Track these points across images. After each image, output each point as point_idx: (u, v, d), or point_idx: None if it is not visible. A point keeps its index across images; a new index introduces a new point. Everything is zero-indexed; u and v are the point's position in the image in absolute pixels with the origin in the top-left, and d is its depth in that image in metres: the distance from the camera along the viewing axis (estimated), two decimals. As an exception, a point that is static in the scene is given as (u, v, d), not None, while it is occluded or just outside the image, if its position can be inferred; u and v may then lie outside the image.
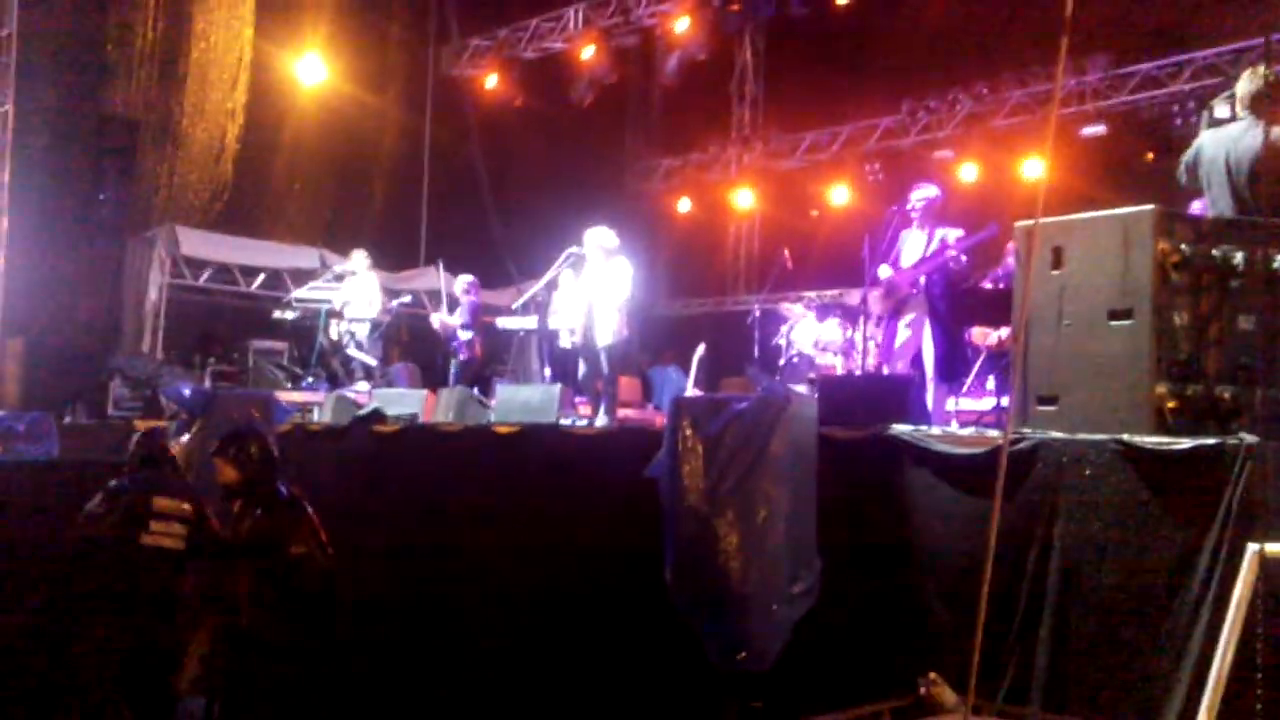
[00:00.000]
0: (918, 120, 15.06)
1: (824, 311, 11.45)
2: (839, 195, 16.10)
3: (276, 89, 14.99)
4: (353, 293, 11.66)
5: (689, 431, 5.28)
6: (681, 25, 14.59)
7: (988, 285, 8.88)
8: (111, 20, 13.33)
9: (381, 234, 15.18)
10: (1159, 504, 4.56)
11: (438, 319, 11.75)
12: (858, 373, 9.47)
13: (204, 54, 14.03)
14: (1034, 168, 13.09)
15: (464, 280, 11.88)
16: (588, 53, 15.27)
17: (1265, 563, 4.03)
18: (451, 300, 11.84)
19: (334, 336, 11.46)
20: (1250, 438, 4.51)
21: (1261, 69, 6.41)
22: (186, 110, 13.85)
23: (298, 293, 12.24)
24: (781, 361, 10.75)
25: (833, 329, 10.53)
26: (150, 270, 12.69)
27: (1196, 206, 6.60)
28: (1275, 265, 5.13)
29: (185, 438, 7.68)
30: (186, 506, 5.18)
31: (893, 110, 15.38)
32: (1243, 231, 5.31)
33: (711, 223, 18.32)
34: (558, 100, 16.13)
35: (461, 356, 11.54)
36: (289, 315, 11.91)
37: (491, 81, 16.22)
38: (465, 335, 11.56)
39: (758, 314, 11.66)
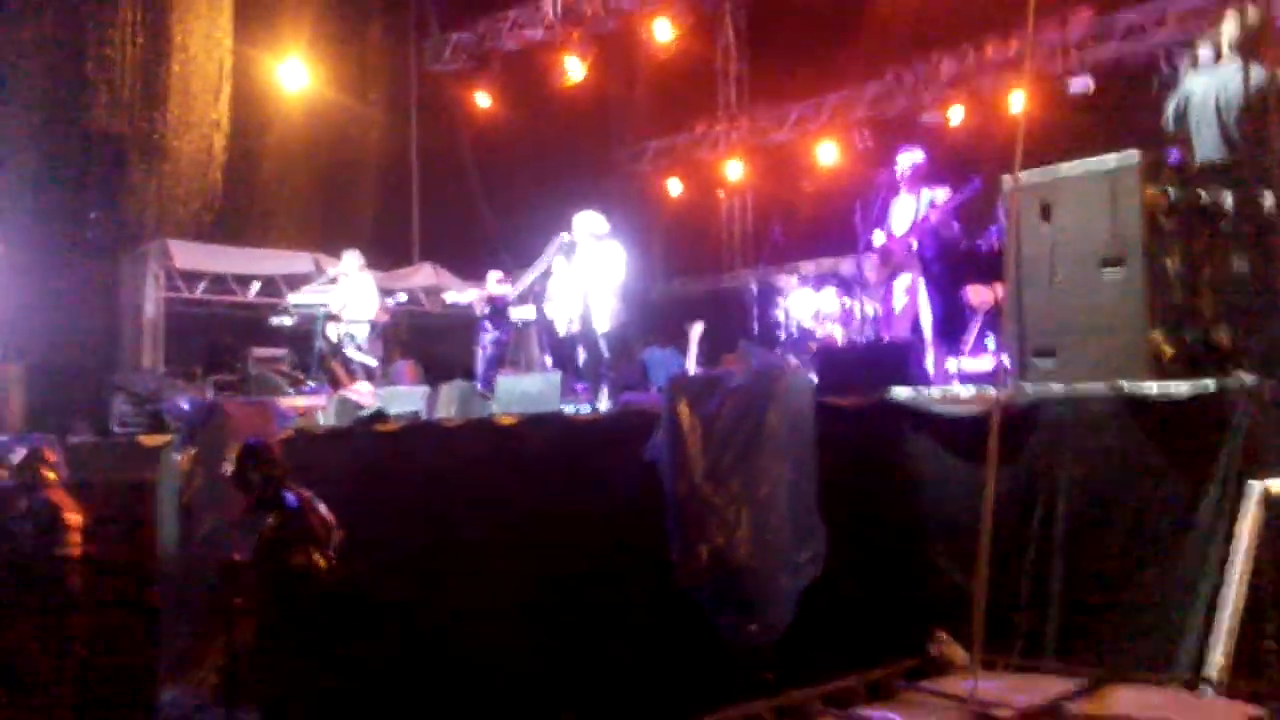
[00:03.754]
0: (903, 85, 14.98)
1: (820, 282, 11.40)
2: (829, 165, 16.04)
3: (260, 96, 14.94)
4: (348, 295, 11.64)
5: (685, 411, 5.27)
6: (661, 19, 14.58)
7: (981, 244, 8.84)
8: (90, 38, 13.28)
9: (374, 234, 15.15)
10: (1161, 449, 4.56)
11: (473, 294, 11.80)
12: (856, 341, 9.43)
13: (184, 66, 13.96)
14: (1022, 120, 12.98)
15: (495, 276, 11.91)
16: (569, 41, 15.23)
17: (1270, 500, 4.02)
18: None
19: (333, 339, 11.45)
20: (1249, 378, 4.50)
21: (1249, 9, 6.35)
22: (171, 123, 13.79)
23: (294, 297, 12.23)
24: (781, 335, 10.71)
25: (830, 299, 10.49)
26: (145, 286, 12.67)
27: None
28: (1265, 205, 5.10)
29: (189, 451, 7.68)
30: None
31: (878, 76, 15.31)
32: (1231, 173, 5.29)
33: (703, 201, 18.27)
34: (542, 89, 16.07)
35: (489, 351, 11.58)
36: (287, 321, 11.90)
37: (474, 75, 16.17)
38: (494, 332, 11.61)
39: (755, 289, 11.61)
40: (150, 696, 6.87)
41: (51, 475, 6.42)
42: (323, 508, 5.35)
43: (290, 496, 5.20)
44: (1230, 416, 4.37)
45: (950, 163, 9.93)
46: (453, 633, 7.05)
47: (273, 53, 15.02)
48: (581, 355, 9.20)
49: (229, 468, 5.48)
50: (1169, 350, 4.84)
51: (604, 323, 8.84)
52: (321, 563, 5.01)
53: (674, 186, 17.99)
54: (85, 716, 6.47)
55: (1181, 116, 6.48)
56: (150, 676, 6.70)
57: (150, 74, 13.73)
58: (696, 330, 11.31)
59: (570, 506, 6.49)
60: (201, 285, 13.62)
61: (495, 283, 11.88)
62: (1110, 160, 5.18)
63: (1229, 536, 4.13)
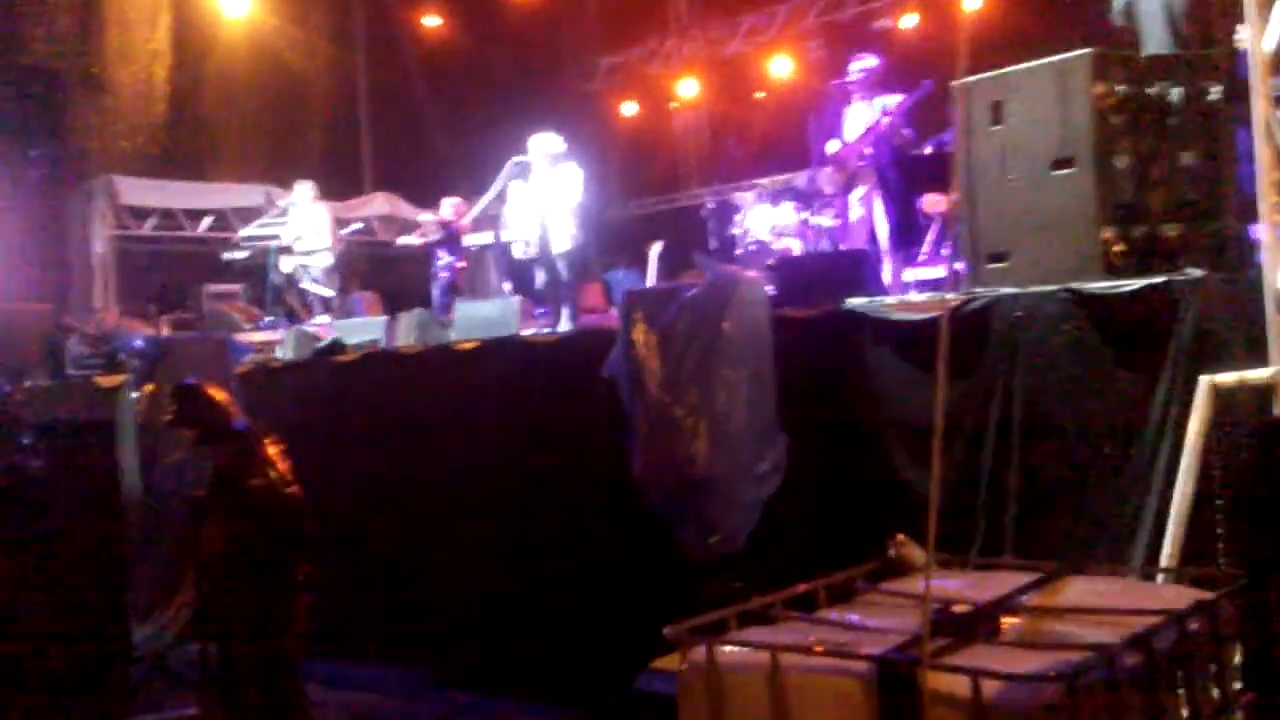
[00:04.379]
0: (855, -9, 14.83)
1: (778, 196, 11.36)
2: (782, 75, 15.91)
3: (201, 25, 14.55)
4: (301, 226, 11.50)
5: (642, 324, 5.27)
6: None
7: (935, 149, 8.82)
8: (20, -31, 12.88)
9: (325, 164, 14.89)
10: (1113, 347, 4.61)
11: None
12: (813, 253, 9.44)
13: (120, -5, 13.60)
14: (974, 21, 12.90)
15: (450, 203, 11.74)
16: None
17: (1218, 393, 4.09)
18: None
19: (287, 272, 11.32)
20: (1197, 272, 4.55)
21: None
22: (109, 55, 13.45)
23: (245, 231, 12.07)
24: (739, 251, 10.69)
25: (788, 213, 10.45)
26: (92, 224, 12.45)
27: None
28: (1211, 98, 5.10)
29: (145, 388, 7.61)
30: None
31: (830, -18, 15.15)
32: (1177, 67, 5.28)
33: (657, 118, 18.10)
34: (490, 8, 15.78)
35: (445, 278, 11.48)
36: (239, 255, 11.77)
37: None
38: (447, 258, 11.49)
39: (711, 206, 11.56)
40: (123, 635, 6.89)
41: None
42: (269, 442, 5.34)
43: (238, 422, 5.17)
44: (1179, 312, 4.42)
45: (903, 68, 9.86)
46: (418, 557, 7.11)
47: (211, -23, 14.61)
48: (540, 278, 9.14)
49: (166, 416, 5.43)
50: (1119, 248, 4.87)
51: (562, 244, 8.77)
52: (280, 480, 4.99)
53: (627, 105, 17.80)
54: (58, 658, 6.49)
55: (1130, 10, 6.45)
56: (121, 615, 6.72)
57: (86, 4, 13.36)
58: (655, 250, 11.27)
59: (532, 429, 6.52)
60: (150, 221, 13.38)
61: (450, 208, 11.75)
62: (1059, 59, 5.17)
63: (1180, 429, 4.20)
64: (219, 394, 5.20)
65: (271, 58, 15.24)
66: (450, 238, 11.63)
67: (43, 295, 11.68)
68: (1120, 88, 5.03)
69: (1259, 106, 4.50)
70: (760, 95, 16.36)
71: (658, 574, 5.56)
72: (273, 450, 5.04)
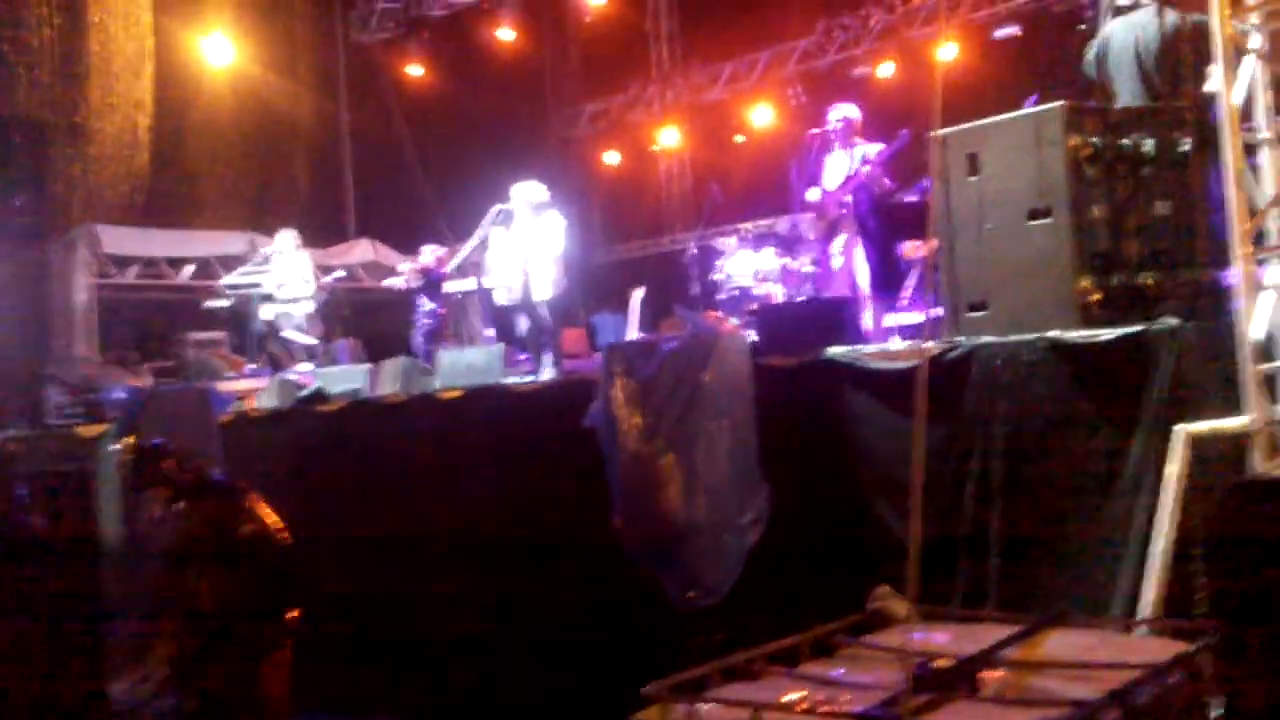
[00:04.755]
0: (834, 39, 15.00)
1: (760, 241, 11.43)
2: (764, 122, 16.06)
3: (184, 74, 14.62)
4: (284, 274, 11.50)
5: (622, 376, 5.29)
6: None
7: (913, 198, 8.91)
8: (4, 19, 12.92)
9: (309, 211, 14.96)
10: (1090, 396, 4.65)
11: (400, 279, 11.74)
12: (794, 300, 9.49)
13: (104, 46, 13.64)
14: (950, 73, 13.08)
15: (431, 251, 11.80)
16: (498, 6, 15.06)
17: (1194, 443, 4.12)
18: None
19: (269, 320, 11.32)
20: (1173, 321, 4.59)
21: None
22: (93, 105, 13.48)
23: (228, 279, 12.05)
24: (721, 296, 10.74)
25: (769, 258, 10.52)
26: (75, 273, 12.42)
27: None
28: (1183, 148, 5.18)
29: (126, 440, 7.56)
30: None
31: (809, 32, 15.32)
32: (1150, 118, 5.36)
33: (640, 163, 18.22)
34: (473, 57, 15.89)
35: (426, 325, 11.51)
36: (222, 303, 11.74)
37: (403, 44, 15.95)
38: (429, 305, 11.54)
39: (694, 251, 11.62)
40: (100, 690, 6.81)
41: None
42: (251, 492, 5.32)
43: (215, 474, 5.16)
44: (1155, 361, 4.46)
45: (882, 117, 9.98)
46: (400, 606, 7.06)
47: (196, 28, 14.68)
48: (523, 325, 9.16)
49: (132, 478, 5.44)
50: (1096, 297, 4.93)
51: (545, 291, 8.80)
52: (273, 527, 4.97)
53: (610, 150, 17.93)
54: (35, 711, 6.42)
55: (1101, 62, 6.55)
56: (98, 670, 6.64)
57: (68, 56, 13.40)
58: (637, 296, 11.32)
59: (515, 477, 6.51)
60: (133, 270, 13.36)
61: (432, 255, 11.80)
62: (1034, 110, 5.24)
63: (1158, 479, 4.23)
64: (187, 456, 5.19)
65: (255, 106, 15.30)
66: (431, 285, 11.68)
67: (24, 344, 11.65)
68: (1094, 139, 5.11)
69: (1229, 158, 4.57)
70: (742, 141, 16.49)
71: (639, 624, 5.54)
72: (256, 501, 5.03)
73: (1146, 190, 5.21)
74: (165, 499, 5.20)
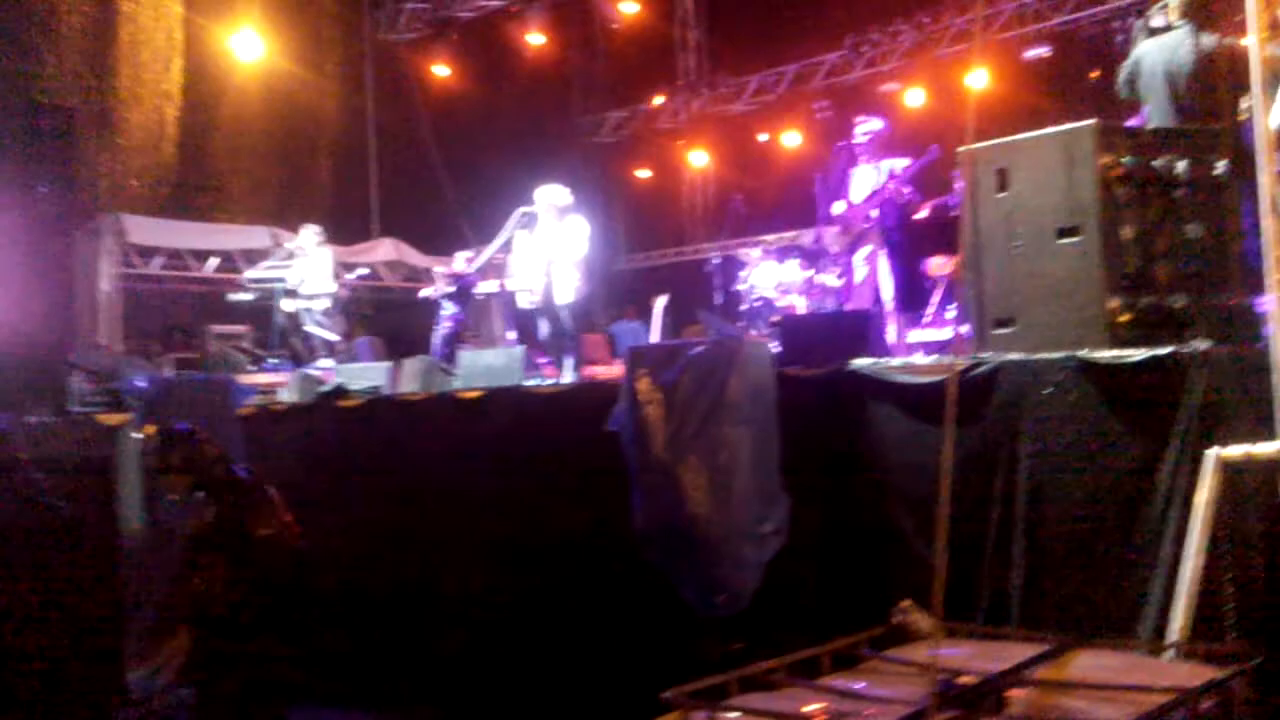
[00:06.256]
0: (862, 54, 15.00)
1: (783, 253, 11.43)
2: (789, 136, 16.06)
3: (213, 68, 14.70)
4: (306, 270, 11.54)
5: (646, 381, 5.27)
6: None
7: (940, 214, 8.90)
8: (36, 7, 12.99)
9: (332, 208, 15.00)
10: (1119, 417, 4.61)
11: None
12: (818, 312, 9.48)
13: (133, 36, 13.72)
14: (979, 90, 13.09)
15: (463, 256, 11.86)
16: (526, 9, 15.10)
17: (1225, 466, 4.08)
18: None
19: (291, 314, 11.35)
20: (1203, 344, 4.55)
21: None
22: (121, 95, 13.56)
23: (251, 273, 12.09)
24: (744, 307, 10.74)
25: (793, 270, 10.52)
26: (99, 261, 12.47)
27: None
28: (1217, 171, 5.15)
29: (147, 429, 7.59)
30: None
31: (836, 46, 15.32)
32: (1183, 140, 5.33)
33: (664, 173, 18.25)
34: (500, 60, 15.94)
35: (448, 327, 11.55)
36: (245, 297, 11.79)
37: (431, 44, 16.01)
38: (452, 308, 11.58)
39: (717, 262, 11.62)
40: (118, 677, 6.82)
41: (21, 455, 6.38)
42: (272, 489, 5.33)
43: (239, 469, 5.15)
44: (1185, 383, 4.42)
45: (909, 132, 9.97)
46: (418, 604, 7.06)
47: (225, 23, 14.75)
48: (544, 328, 9.16)
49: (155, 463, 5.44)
50: (1125, 318, 4.89)
51: (566, 295, 8.81)
52: (287, 531, 4.96)
53: (635, 158, 17.95)
54: (52, 700, 6.42)
55: (1133, 83, 6.53)
56: (116, 657, 6.65)
57: (98, 45, 13.47)
58: (660, 304, 11.32)
59: (534, 479, 6.49)
60: (157, 261, 13.42)
61: (464, 261, 11.86)
62: (1065, 129, 5.22)
63: (1187, 501, 4.19)
64: (212, 445, 5.19)
65: (282, 102, 15.38)
66: (461, 290, 11.72)
67: (49, 331, 11.67)
68: (1126, 159, 5.08)
69: (1265, 182, 4.54)
70: (767, 154, 16.49)
71: (657, 630, 5.52)
72: (276, 498, 5.03)
73: (1178, 212, 5.16)
74: (185, 486, 5.19)
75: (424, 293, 12.47)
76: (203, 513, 5.12)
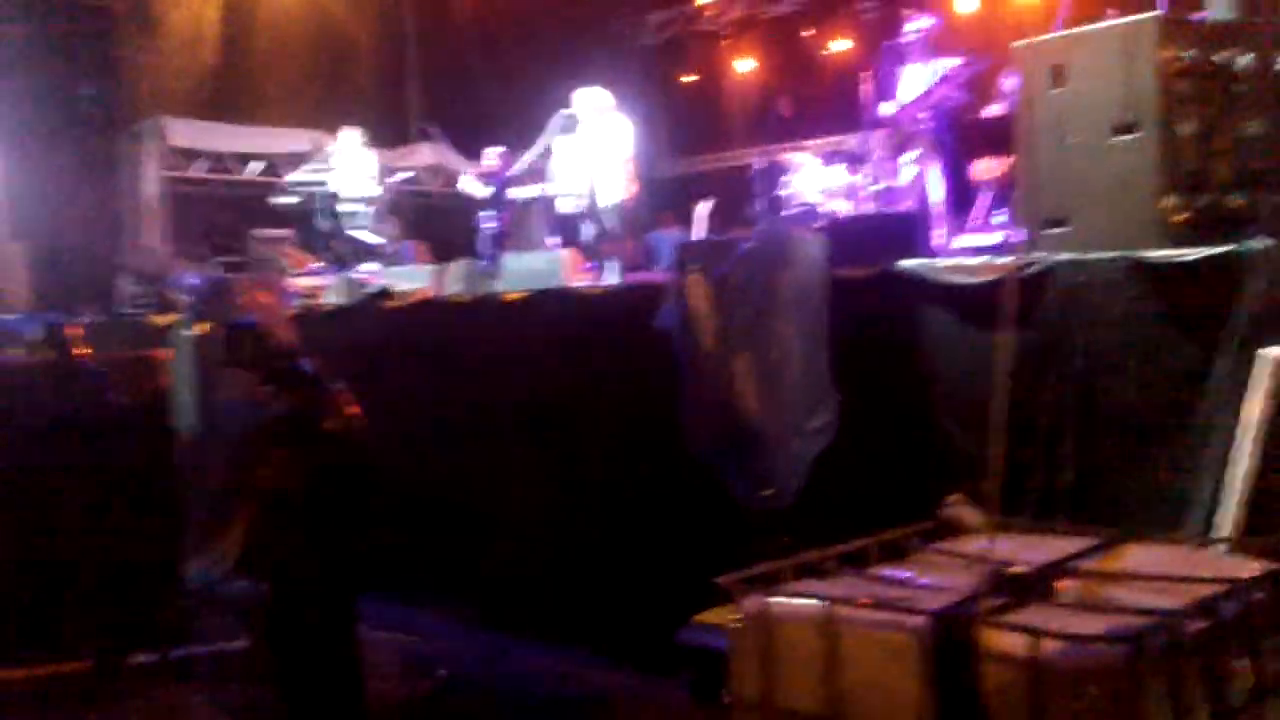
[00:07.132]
0: (912, -49, 14.58)
1: (829, 158, 11.26)
2: (835, 37, 15.73)
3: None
4: (348, 173, 11.51)
5: (695, 276, 5.25)
6: None
7: (991, 115, 8.71)
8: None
9: (372, 111, 14.87)
10: (1172, 316, 4.57)
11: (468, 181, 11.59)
12: (864, 214, 9.36)
13: (173, -65, 13.61)
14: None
15: (494, 152, 11.64)
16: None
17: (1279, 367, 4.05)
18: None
19: (334, 218, 11.36)
20: (1261, 243, 4.48)
21: None
22: (161, -5, 13.50)
23: (292, 177, 12.09)
24: (786, 212, 10.62)
25: (839, 174, 10.37)
26: (142, 164, 12.52)
27: None
28: (1279, 67, 5.02)
29: (200, 326, 7.70)
30: None
31: (886, -62, 14.90)
32: (1246, 34, 5.19)
33: (707, 76, 17.95)
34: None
35: (489, 230, 11.43)
36: (289, 200, 11.80)
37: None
38: (491, 211, 11.43)
39: (759, 167, 11.46)
40: (175, 571, 7.02)
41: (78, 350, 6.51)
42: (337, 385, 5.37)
43: (305, 363, 5.20)
44: (1242, 282, 4.37)
45: (961, 30, 9.73)
46: (466, 502, 7.17)
47: (264, -78, 14.59)
48: (587, 231, 9.12)
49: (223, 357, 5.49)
50: (1182, 216, 4.82)
51: (612, 196, 8.74)
52: (356, 424, 5.02)
53: (677, 61, 17.67)
54: (112, 594, 6.61)
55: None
56: (174, 548, 6.83)
57: (137, -57, 13.38)
58: (703, 208, 11.22)
59: (580, 380, 6.54)
60: (201, 165, 13.44)
61: (496, 158, 11.67)
62: (1125, 20, 5.09)
63: (1240, 401, 4.17)
64: (285, 334, 5.22)
65: (323, 4, 15.22)
66: (497, 193, 11.57)
67: (94, 233, 11.81)
68: (1187, 53, 4.95)
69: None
70: (812, 56, 16.17)
71: (705, 527, 5.59)
72: (342, 393, 5.07)
73: (1239, 109, 5.06)
74: (252, 380, 5.25)
75: (460, 184, 12.28)
76: (273, 405, 5.16)
